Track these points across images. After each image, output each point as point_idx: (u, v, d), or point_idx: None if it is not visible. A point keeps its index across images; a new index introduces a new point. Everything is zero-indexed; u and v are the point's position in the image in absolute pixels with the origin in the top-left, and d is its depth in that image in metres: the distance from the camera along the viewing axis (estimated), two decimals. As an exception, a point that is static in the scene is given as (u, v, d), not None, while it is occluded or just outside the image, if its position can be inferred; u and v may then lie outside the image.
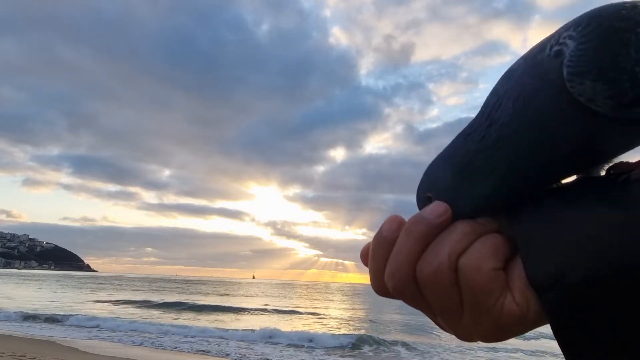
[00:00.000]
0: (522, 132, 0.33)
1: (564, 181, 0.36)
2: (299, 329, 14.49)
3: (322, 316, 21.39)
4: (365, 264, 0.38)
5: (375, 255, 0.36)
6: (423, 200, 0.37)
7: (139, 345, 11.05)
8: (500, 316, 0.32)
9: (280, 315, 21.38)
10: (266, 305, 26.57)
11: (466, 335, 0.35)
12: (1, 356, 7.56)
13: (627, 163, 0.35)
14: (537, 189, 0.35)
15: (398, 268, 0.34)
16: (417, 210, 0.36)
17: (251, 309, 22.86)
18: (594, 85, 0.31)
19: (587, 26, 0.32)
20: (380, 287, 0.36)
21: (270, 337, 12.57)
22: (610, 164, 0.36)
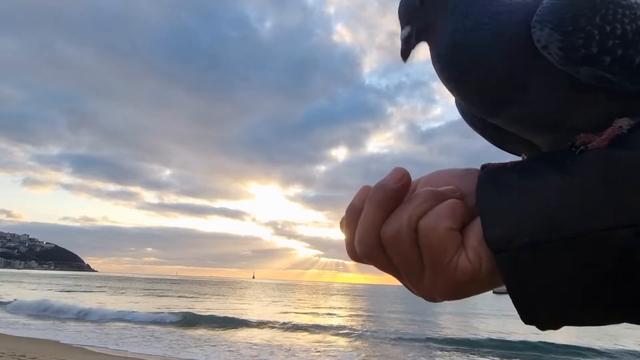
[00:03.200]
0: (479, 56, 0.39)
1: (523, 151, 0.42)
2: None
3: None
4: (343, 233, 0.41)
5: (348, 224, 0.39)
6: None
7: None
8: (454, 273, 0.34)
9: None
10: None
11: (429, 294, 0.37)
12: (1, 356, 7.55)
13: (589, 136, 0.37)
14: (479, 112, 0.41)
15: (364, 233, 0.37)
16: None
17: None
18: (550, 33, 0.36)
19: None
20: (353, 253, 0.39)
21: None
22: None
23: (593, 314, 0.33)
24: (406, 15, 0.44)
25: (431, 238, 0.34)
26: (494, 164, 0.39)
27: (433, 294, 0.37)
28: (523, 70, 0.38)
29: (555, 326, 0.34)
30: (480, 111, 0.43)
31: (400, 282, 0.39)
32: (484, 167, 0.39)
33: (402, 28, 0.44)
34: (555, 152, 0.38)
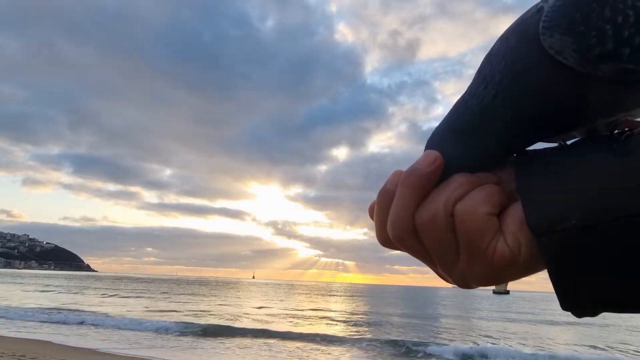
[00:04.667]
0: (512, 87, 0.36)
1: (560, 138, 0.39)
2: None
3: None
4: (372, 218, 0.39)
5: (380, 208, 0.38)
6: None
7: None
8: (492, 259, 0.34)
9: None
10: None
11: (463, 280, 0.37)
12: (1, 356, 7.55)
13: (631, 121, 0.36)
14: (531, 143, 0.38)
15: (397, 218, 0.36)
16: None
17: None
18: (562, 38, 0.34)
19: None
20: (384, 237, 0.38)
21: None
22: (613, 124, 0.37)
23: (637, 299, 0.31)
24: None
25: (468, 223, 0.34)
26: (531, 150, 0.38)
27: (467, 281, 0.36)
28: (554, 79, 0.36)
29: (595, 312, 0.33)
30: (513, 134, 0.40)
31: (431, 268, 0.38)
32: (522, 153, 0.37)
33: None
34: (597, 136, 0.37)
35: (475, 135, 0.37)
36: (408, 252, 0.38)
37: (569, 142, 0.38)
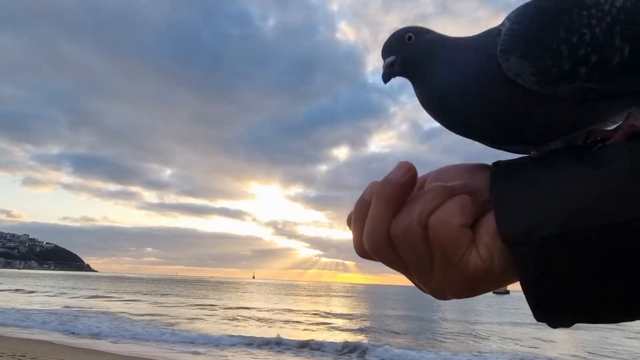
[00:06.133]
0: (467, 98, 0.39)
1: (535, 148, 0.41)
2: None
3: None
4: (350, 229, 0.39)
5: (356, 219, 0.38)
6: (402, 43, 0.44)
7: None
8: (466, 270, 0.34)
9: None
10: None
11: (439, 291, 0.36)
12: (1, 356, 7.55)
13: (605, 131, 0.36)
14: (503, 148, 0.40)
15: (372, 229, 0.36)
16: None
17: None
18: (519, 62, 0.35)
19: (525, 7, 0.36)
20: (361, 249, 0.38)
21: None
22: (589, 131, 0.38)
23: (613, 309, 0.32)
24: (393, 46, 0.45)
25: (442, 235, 0.34)
26: (506, 159, 0.38)
27: (444, 292, 0.36)
28: (515, 100, 0.37)
29: (569, 323, 0.33)
30: (486, 144, 0.43)
31: (409, 279, 0.38)
32: (496, 164, 0.38)
33: (387, 56, 0.45)
34: (570, 147, 0.37)
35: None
36: (384, 263, 0.37)
37: (544, 151, 0.38)
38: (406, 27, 0.45)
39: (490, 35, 0.38)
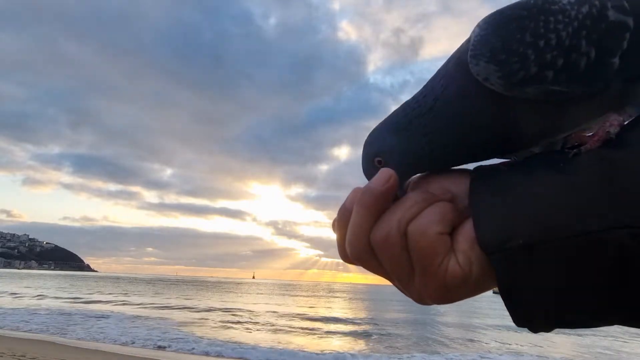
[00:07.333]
0: (447, 104, 0.39)
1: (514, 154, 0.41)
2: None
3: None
4: (335, 234, 0.40)
5: (339, 226, 0.39)
6: (373, 167, 0.42)
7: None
8: (444, 277, 0.34)
9: None
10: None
11: (419, 297, 0.37)
12: (1, 356, 7.52)
13: (582, 136, 0.37)
14: (468, 157, 0.40)
15: (353, 237, 0.37)
16: None
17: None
18: (487, 66, 0.36)
19: (493, 14, 0.38)
20: (344, 254, 0.39)
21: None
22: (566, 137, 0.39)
23: (588, 316, 0.33)
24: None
25: (420, 243, 0.34)
26: (486, 165, 0.39)
27: (423, 298, 0.37)
28: (488, 105, 0.38)
29: (549, 328, 0.34)
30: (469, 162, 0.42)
31: (392, 283, 0.39)
32: (476, 169, 0.39)
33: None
34: (548, 152, 0.38)
35: (413, 132, 0.40)
36: (366, 269, 0.38)
37: (522, 157, 0.39)
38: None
39: (464, 45, 0.40)
